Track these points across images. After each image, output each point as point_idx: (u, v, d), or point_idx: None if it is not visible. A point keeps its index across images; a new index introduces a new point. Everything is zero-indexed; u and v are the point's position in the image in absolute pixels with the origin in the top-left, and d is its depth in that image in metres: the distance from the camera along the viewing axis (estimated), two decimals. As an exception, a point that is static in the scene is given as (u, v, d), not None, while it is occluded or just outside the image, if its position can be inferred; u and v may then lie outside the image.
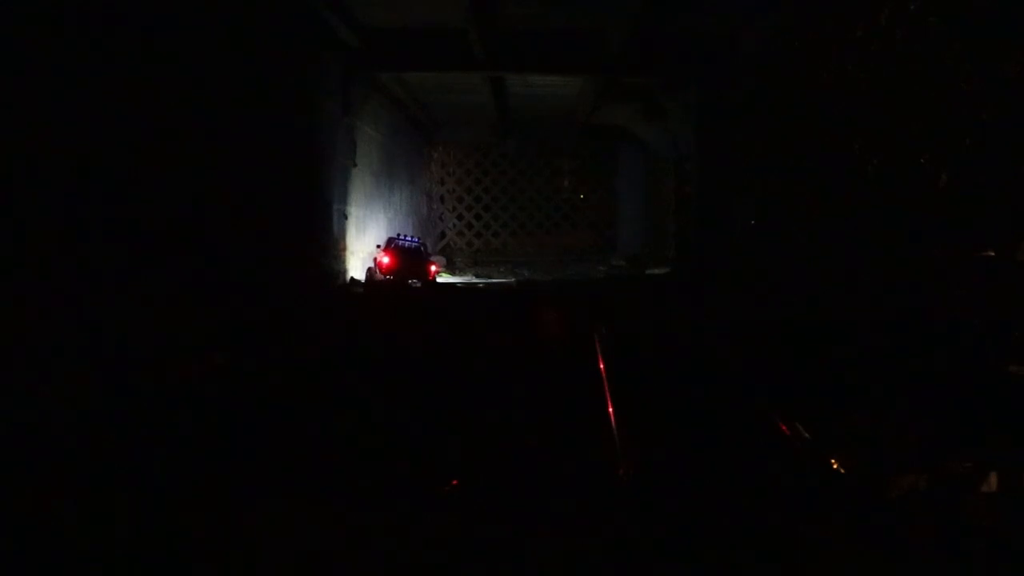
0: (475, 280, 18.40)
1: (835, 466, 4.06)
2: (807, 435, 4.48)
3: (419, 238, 17.49)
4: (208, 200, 8.66)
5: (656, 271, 18.50)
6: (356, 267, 14.95)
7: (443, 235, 24.33)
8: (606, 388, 5.57)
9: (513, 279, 18.50)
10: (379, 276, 14.63)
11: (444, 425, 5.06)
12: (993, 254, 5.47)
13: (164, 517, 3.56)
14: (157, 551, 3.28)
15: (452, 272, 20.34)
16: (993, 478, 3.73)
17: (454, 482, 4.10)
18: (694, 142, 15.48)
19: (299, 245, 11.87)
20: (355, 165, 14.96)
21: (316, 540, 3.36)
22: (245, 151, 9.66)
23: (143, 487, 3.89)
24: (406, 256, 14.60)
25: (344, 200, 14.40)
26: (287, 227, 11.30)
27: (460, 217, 24.40)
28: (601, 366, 6.10)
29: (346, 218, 14.41)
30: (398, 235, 16.27)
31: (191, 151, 8.32)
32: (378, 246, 15.26)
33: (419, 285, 14.78)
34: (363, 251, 15.44)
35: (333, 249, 13.74)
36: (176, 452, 4.43)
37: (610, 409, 5.17)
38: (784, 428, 4.65)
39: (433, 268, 14.99)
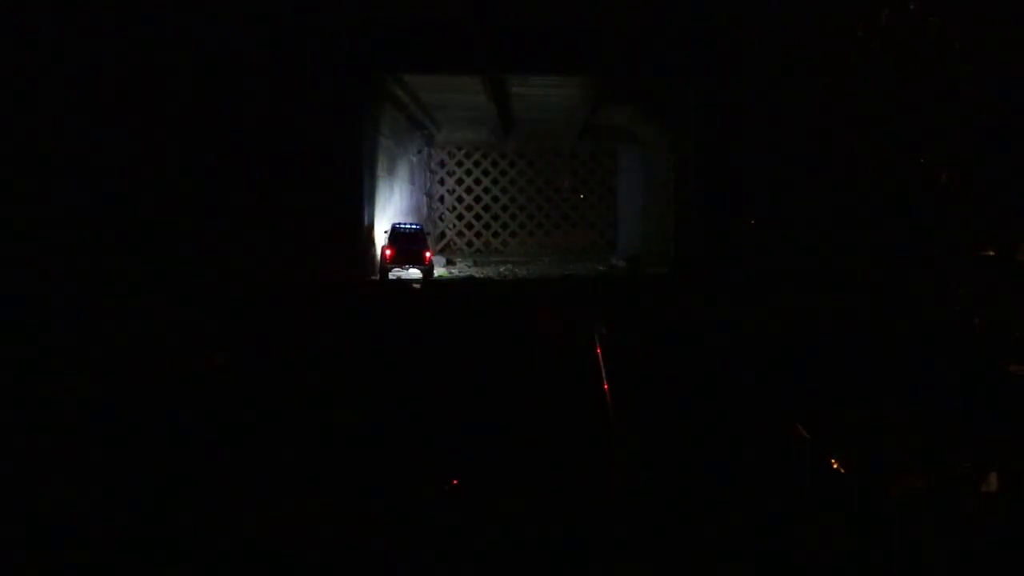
0: (475, 279, 18.41)
1: (835, 466, 4.06)
2: (807, 435, 4.48)
3: (420, 224, 18.42)
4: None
5: (656, 271, 18.49)
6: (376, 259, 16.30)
7: (443, 235, 24.32)
8: (606, 386, 5.57)
9: (513, 278, 18.50)
10: (386, 265, 15.57)
11: (444, 422, 5.06)
12: (993, 254, 5.47)
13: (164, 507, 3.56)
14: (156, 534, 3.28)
15: (452, 272, 20.32)
16: (993, 478, 3.73)
17: (454, 481, 4.10)
18: (693, 142, 15.48)
19: (343, 246, 13.92)
20: (364, 166, 15.32)
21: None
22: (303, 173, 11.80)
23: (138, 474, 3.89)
24: (402, 242, 15.71)
25: (371, 203, 15.72)
26: (337, 231, 13.46)
27: (460, 217, 24.39)
28: (601, 363, 6.10)
29: (372, 220, 15.70)
30: (398, 224, 16.94)
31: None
32: (385, 232, 16.19)
33: (419, 286, 15.21)
34: (378, 247, 16.50)
35: (366, 246, 15.24)
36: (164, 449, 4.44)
37: (610, 408, 5.17)
38: (784, 427, 4.64)
39: (428, 254, 15.96)
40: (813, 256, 9.23)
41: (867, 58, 7.67)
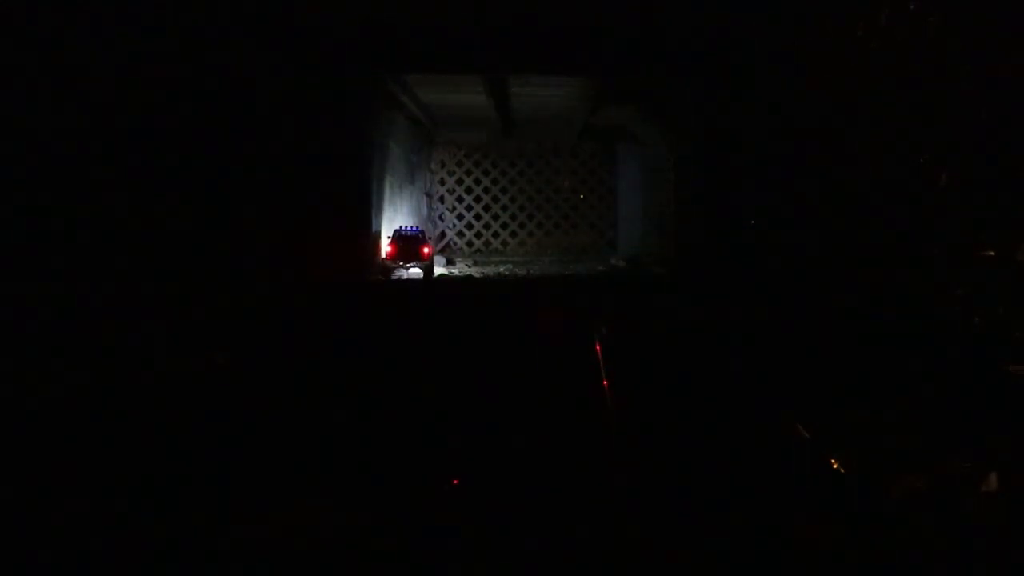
0: (474, 278, 18.47)
1: (835, 466, 4.06)
2: (807, 435, 4.48)
3: (418, 227, 19.53)
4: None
5: (656, 271, 18.49)
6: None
7: (443, 235, 24.32)
8: (604, 382, 5.57)
9: (513, 277, 18.53)
10: (387, 262, 16.50)
11: (443, 420, 5.06)
12: (993, 254, 5.47)
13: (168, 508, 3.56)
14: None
15: (452, 272, 20.34)
16: (993, 478, 3.73)
17: (454, 481, 4.10)
18: (693, 142, 15.48)
19: (357, 245, 14.89)
20: (371, 170, 15.89)
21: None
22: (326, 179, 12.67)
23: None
24: (405, 242, 16.90)
25: (380, 205, 16.62)
26: (350, 230, 14.28)
27: (460, 217, 24.39)
28: (600, 363, 6.10)
29: (380, 222, 16.64)
30: (401, 227, 18.01)
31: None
32: (388, 236, 17.16)
33: (420, 277, 16.31)
34: (382, 249, 17.36)
35: (372, 247, 16.08)
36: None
37: (610, 407, 5.17)
38: (784, 427, 4.65)
39: (426, 250, 16.96)
40: (813, 256, 9.23)
41: (867, 58, 7.66)
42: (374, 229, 16.20)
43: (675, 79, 15.50)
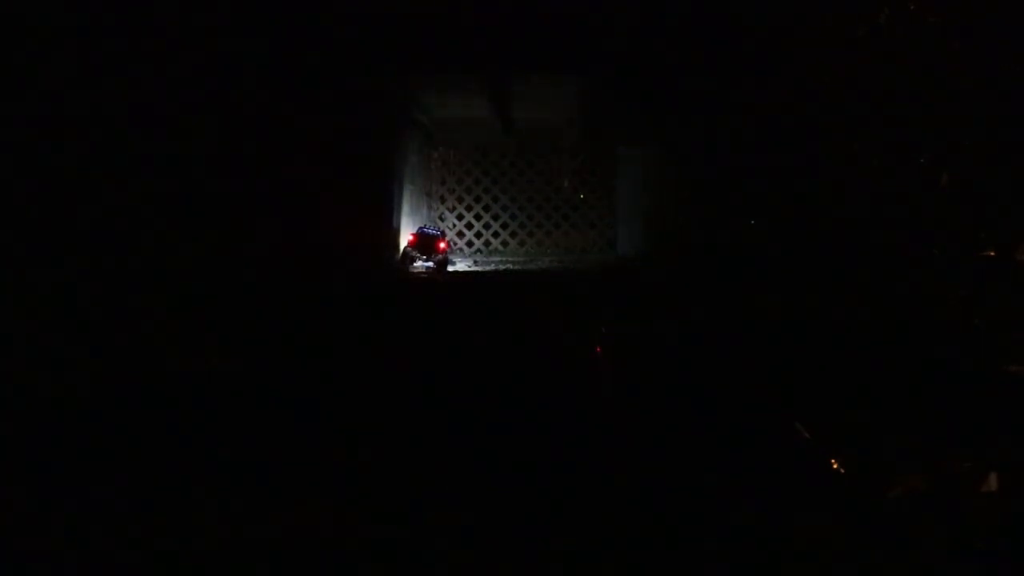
0: (477, 275, 18.61)
1: (835, 466, 4.06)
2: (807, 435, 4.48)
3: (438, 228, 21.64)
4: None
5: (655, 270, 18.49)
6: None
7: (443, 235, 24.33)
8: (603, 366, 5.57)
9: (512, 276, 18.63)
10: (408, 251, 18.31)
11: (442, 419, 5.07)
12: (993, 254, 5.46)
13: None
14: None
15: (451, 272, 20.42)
16: (993, 478, 3.73)
17: (454, 482, 4.10)
18: (693, 142, 15.48)
19: (382, 244, 16.16)
20: (393, 177, 17.18)
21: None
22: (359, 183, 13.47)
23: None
24: (425, 238, 18.81)
25: (399, 207, 17.99)
26: (375, 229, 15.45)
27: (460, 217, 24.39)
28: (599, 361, 6.10)
29: (400, 218, 18.10)
30: (424, 226, 20.06)
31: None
32: (412, 233, 18.82)
33: (433, 270, 17.79)
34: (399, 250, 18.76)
35: (391, 248, 17.45)
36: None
37: (607, 406, 5.17)
38: (784, 427, 4.65)
39: (442, 245, 18.69)
40: (814, 256, 9.23)
41: (867, 58, 7.66)
42: (394, 224, 17.61)
43: (675, 79, 15.50)
